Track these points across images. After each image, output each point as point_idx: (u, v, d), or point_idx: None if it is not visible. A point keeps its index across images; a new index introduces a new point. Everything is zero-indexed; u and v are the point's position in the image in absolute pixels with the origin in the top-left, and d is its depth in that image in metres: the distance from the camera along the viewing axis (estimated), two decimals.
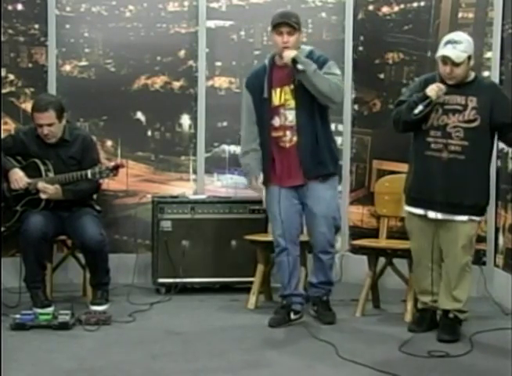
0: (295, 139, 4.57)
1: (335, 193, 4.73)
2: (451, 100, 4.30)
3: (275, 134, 4.61)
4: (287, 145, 4.60)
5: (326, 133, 4.63)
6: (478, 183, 4.32)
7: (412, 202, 4.47)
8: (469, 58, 4.27)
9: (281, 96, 4.58)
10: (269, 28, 4.63)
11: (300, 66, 4.39)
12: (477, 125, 4.27)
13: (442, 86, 4.27)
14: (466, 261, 4.36)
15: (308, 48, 4.62)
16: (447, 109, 4.31)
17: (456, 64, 4.23)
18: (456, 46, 4.23)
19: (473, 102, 4.27)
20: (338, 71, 4.58)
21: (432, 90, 4.26)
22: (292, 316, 4.68)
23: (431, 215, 4.36)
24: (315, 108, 4.54)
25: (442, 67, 4.29)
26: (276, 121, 4.60)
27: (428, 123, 4.34)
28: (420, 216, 4.42)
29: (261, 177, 4.70)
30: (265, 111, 4.60)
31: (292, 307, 4.69)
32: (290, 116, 4.57)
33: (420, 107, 4.25)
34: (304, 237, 4.82)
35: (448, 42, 4.26)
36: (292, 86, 4.54)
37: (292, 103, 4.56)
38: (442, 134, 4.30)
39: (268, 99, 4.58)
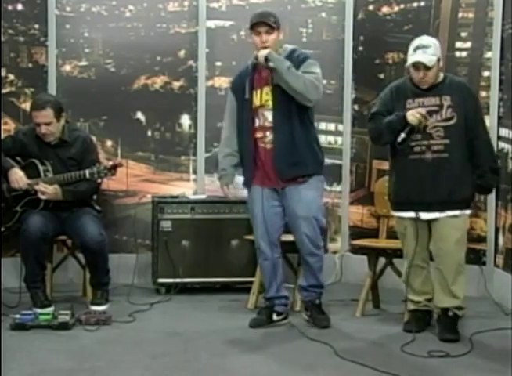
0: None
1: (317, 194, 4.63)
2: (426, 102, 4.37)
3: (255, 135, 4.57)
4: (268, 146, 4.54)
5: (305, 134, 4.56)
6: (464, 178, 4.36)
7: (401, 207, 4.50)
8: (438, 60, 4.34)
9: (261, 97, 4.54)
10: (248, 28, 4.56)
11: (270, 64, 4.37)
12: (454, 123, 4.33)
13: (423, 111, 4.32)
14: (461, 256, 4.41)
15: (290, 47, 4.58)
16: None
17: (427, 68, 4.30)
18: (426, 50, 4.30)
19: (447, 100, 4.34)
20: (317, 70, 4.50)
21: (414, 119, 4.31)
22: (275, 317, 4.67)
23: (424, 216, 4.39)
24: (292, 108, 4.49)
25: (415, 73, 4.35)
26: (256, 122, 4.56)
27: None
28: (411, 219, 4.45)
29: (235, 183, 4.71)
30: (246, 112, 4.57)
31: (275, 308, 4.67)
32: (270, 116, 4.53)
33: (403, 135, 4.33)
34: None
35: (417, 48, 4.32)
36: (270, 86, 4.50)
37: (271, 104, 4.52)
38: (423, 136, 4.36)
39: (250, 99, 4.56)
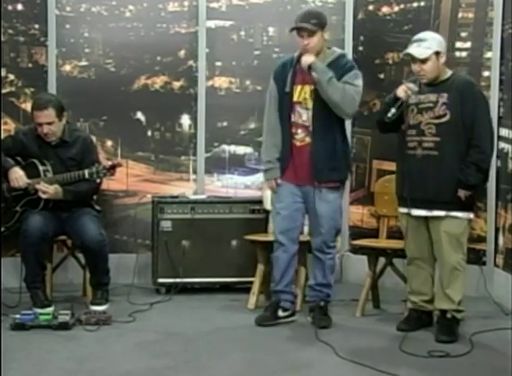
0: (307, 139, 4.56)
1: (340, 196, 4.70)
2: (425, 99, 4.36)
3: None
4: (298, 143, 4.59)
5: (342, 139, 4.63)
6: (454, 178, 4.28)
7: (399, 202, 4.53)
8: (437, 54, 4.29)
9: (300, 94, 4.57)
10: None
11: (314, 74, 4.40)
12: (447, 120, 4.30)
13: (412, 85, 4.32)
14: (457, 260, 4.35)
15: (339, 51, 4.63)
16: (421, 107, 4.37)
17: (422, 61, 4.28)
18: (421, 44, 4.30)
19: (443, 98, 4.31)
20: (359, 82, 4.53)
21: (402, 91, 4.32)
22: (280, 313, 4.67)
23: (415, 212, 4.39)
24: (333, 112, 4.53)
25: (413, 66, 4.36)
26: (291, 117, 4.59)
27: (405, 123, 4.40)
28: (407, 215, 4.45)
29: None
30: (285, 106, 4.60)
31: (281, 304, 4.68)
32: (305, 115, 4.56)
33: (393, 110, 4.32)
34: (305, 237, 4.83)
35: (414, 41, 4.34)
36: (312, 87, 4.52)
37: (309, 103, 4.54)
38: (417, 132, 4.37)
39: (290, 94, 4.58)
